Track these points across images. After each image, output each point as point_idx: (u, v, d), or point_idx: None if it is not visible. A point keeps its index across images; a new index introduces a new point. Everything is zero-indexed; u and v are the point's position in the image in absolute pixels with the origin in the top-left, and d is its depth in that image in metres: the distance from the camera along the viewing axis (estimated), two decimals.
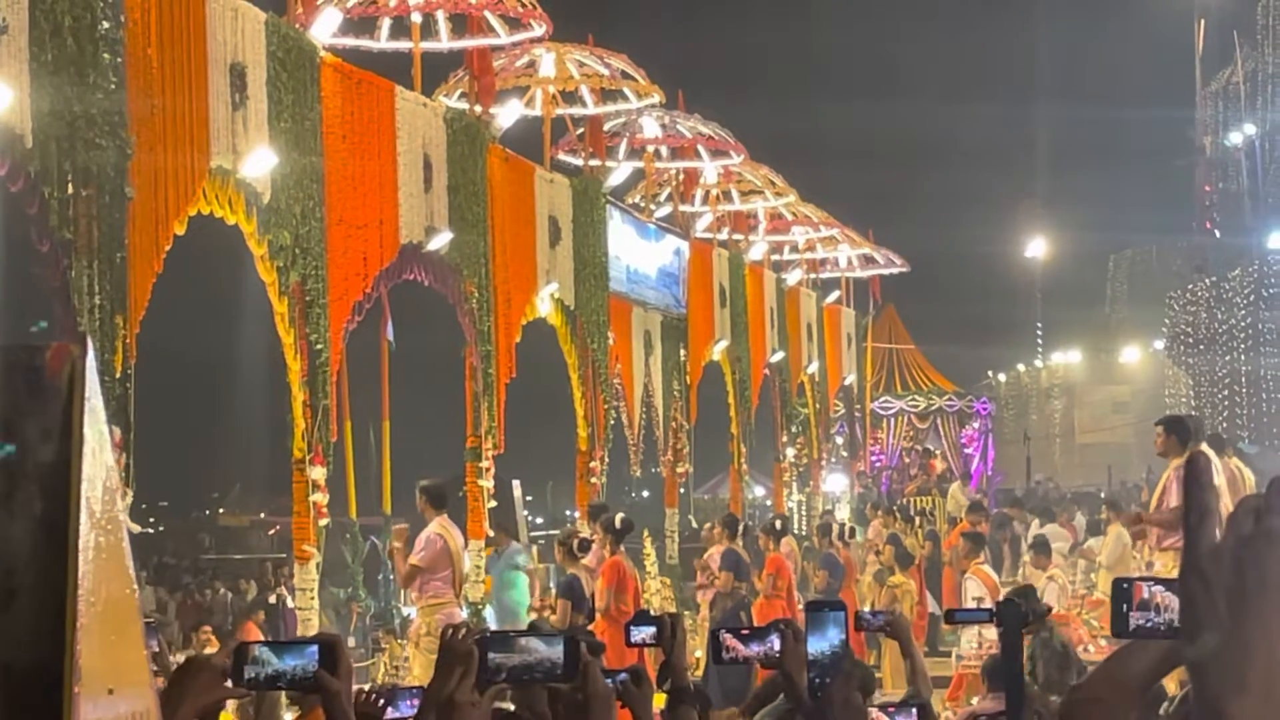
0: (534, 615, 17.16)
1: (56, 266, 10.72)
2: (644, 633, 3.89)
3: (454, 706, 3.56)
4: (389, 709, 4.61)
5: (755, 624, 17.18)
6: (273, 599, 24.46)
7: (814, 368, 34.45)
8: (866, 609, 19.96)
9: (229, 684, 3.51)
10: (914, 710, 5.02)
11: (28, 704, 1.88)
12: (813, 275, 35.81)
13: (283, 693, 4.37)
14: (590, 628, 15.05)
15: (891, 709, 5.00)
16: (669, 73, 24.29)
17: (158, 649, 8.10)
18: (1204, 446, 14.06)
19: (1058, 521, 27.30)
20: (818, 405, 34.85)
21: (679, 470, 25.75)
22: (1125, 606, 2.42)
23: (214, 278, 29.83)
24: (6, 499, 1.91)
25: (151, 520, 40.96)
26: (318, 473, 14.10)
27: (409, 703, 4.49)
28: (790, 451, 32.68)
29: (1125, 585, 2.46)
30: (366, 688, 4.83)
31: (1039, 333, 74.93)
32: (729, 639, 3.84)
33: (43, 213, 10.51)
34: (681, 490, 26.04)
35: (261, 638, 18.84)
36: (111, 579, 2.05)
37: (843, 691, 3.43)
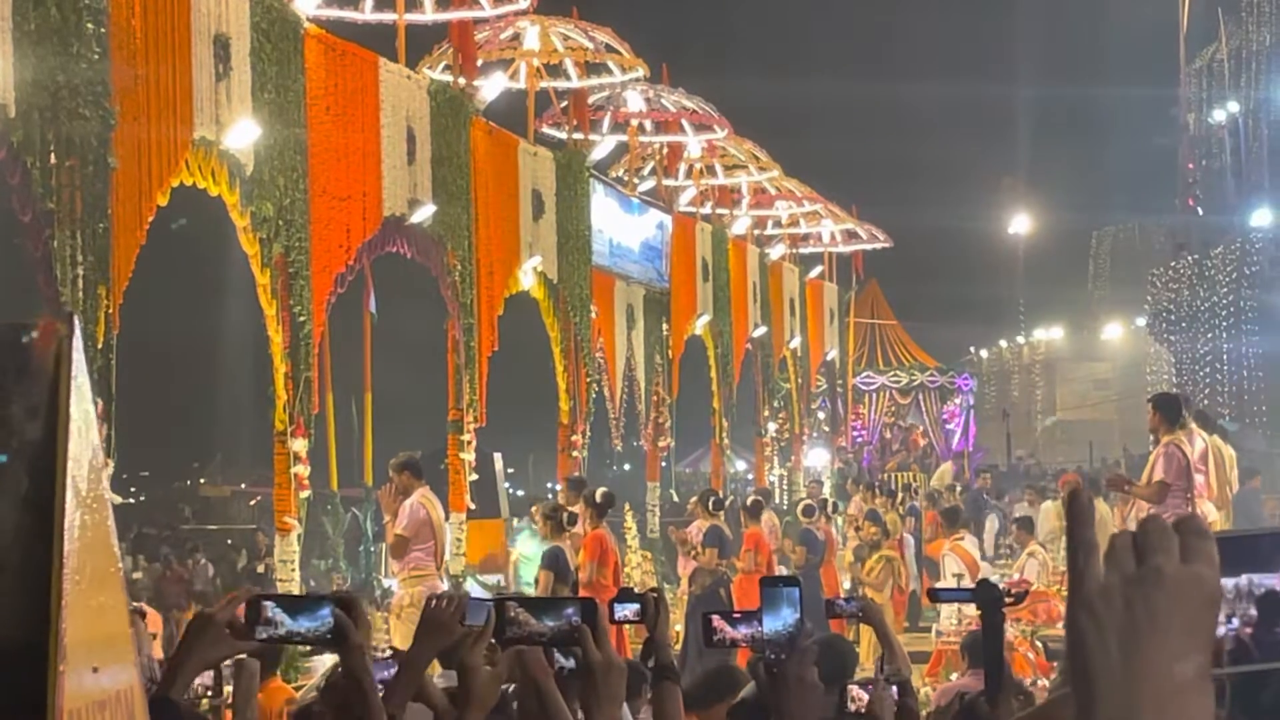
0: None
1: (39, 237, 10.69)
2: (627, 610, 3.89)
3: (467, 671, 3.56)
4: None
5: (735, 599, 17.26)
6: (261, 568, 24.39)
7: (796, 342, 34.47)
8: (843, 591, 20.12)
9: (236, 638, 3.51)
10: (894, 687, 5.02)
11: (13, 682, 1.88)
12: (796, 250, 35.80)
13: (258, 662, 4.37)
14: None
15: (871, 686, 4.98)
16: (653, 47, 24.25)
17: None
18: (1192, 424, 14.12)
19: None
20: (799, 380, 34.88)
21: (660, 444, 25.78)
22: None
23: (197, 249, 29.74)
24: None
25: (133, 490, 40.88)
26: (299, 444, 14.09)
27: (385, 672, 4.48)
28: (772, 426, 32.70)
29: None
30: None
31: (1021, 309, 74.94)
32: (718, 621, 3.83)
33: (25, 183, 10.48)
34: (663, 464, 26.03)
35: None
36: (96, 556, 2.05)
37: (798, 669, 3.44)
